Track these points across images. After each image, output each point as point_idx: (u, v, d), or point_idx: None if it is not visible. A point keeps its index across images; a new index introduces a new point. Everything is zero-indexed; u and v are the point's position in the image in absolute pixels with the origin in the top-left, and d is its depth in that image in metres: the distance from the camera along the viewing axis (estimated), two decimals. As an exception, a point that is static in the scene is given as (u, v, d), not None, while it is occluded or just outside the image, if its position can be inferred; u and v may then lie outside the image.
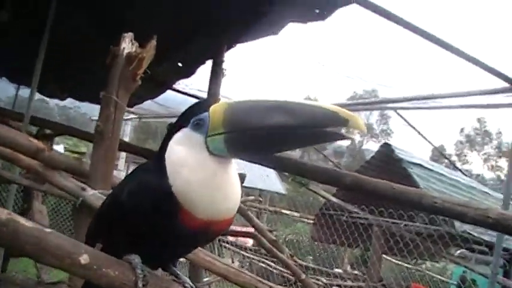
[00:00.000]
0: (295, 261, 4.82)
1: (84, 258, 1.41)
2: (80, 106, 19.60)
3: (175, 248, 1.67)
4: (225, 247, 9.44)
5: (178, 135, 1.59)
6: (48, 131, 7.08)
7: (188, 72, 7.26)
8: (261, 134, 1.51)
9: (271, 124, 1.48)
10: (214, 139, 1.52)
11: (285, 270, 7.84)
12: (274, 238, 4.87)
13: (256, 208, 10.81)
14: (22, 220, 1.36)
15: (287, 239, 10.62)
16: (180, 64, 7.12)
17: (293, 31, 5.55)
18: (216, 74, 5.83)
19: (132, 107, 9.74)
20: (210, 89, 5.85)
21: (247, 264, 9.80)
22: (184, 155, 1.54)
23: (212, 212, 1.53)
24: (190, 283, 1.69)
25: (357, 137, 42.13)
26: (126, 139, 13.33)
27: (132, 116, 11.71)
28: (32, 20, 5.71)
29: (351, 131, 1.60)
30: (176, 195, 1.50)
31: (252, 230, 5.34)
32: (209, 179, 1.51)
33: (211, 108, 1.55)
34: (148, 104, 9.63)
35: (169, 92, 8.35)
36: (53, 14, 5.27)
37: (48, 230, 1.41)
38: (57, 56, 5.64)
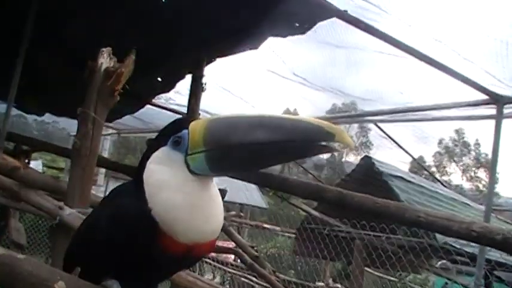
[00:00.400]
0: (277, 277, 4.75)
1: (59, 285, 1.34)
2: (58, 121, 19.35)
3: (156, 272, 1.59)
4: (206, 262, 9.34)
5: (156, 155, 1.52)
6: (25, 147, 6.96)
7: (167, 87, 7.22)
8: (243, 151, 1.44)
9: (253, 140, 1.42)
10: (195, 157, 1.46)
11: (267, 285, 7.80)
12: (256, 254, 4.81)
13: (236, 223, 10.74)
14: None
15: (268, 253, 10.55)
16: (159, 79, 7.07)
17: (269, 44, 5.52)
18: (196, 89, 5.78)
19: (111, 122, 9.65)
20: (189, 103, 5.80)
21: (229, 279, 9.71)
22: (162, 176, 1.47)
23: (194, 235, 1.46)
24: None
25: (337, 150, 42.28)
26: (106, 154, 13.21)
27: (111, 131, 11.57)
28: (7, 34, 5.61)
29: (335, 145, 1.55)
30: (156, 219, 1.42)
31: (233, 245, 5.28)
32: (190, 201, 1.44)
33: (191, 125, 1.49)
34: (127, 119, 9.53)
35: (148, 107, 8.28)
36: (30, 29, 5.19)
37: (21, 256, 1.34)
38: (34, 70, 5.56)
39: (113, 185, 13.76)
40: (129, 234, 1.42)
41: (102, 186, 13.37)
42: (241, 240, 4.92)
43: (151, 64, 6.41)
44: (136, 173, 1.54)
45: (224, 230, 5.27)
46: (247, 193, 12.68)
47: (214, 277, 10.57)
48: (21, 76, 5.23)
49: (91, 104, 3.20)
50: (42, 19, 5.17)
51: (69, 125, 14.37)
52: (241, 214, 7.97)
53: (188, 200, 1.44)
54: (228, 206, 10.52)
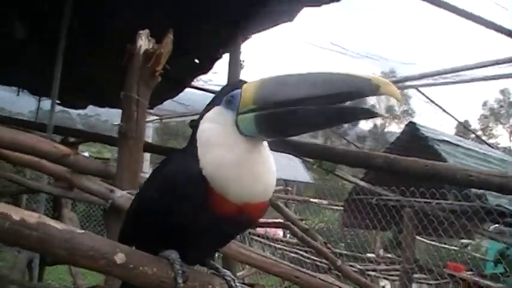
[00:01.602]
0: (329, 249, 4.74)
1: (119, 258, 1.36)
2: (101, 113, 19.73)
3: (210, 239, 1.59)
4: (255, 240, 9.41)
5: (209, 113, 1.54)
6: (72, 139, 7.09)
7: (205, 67, 7.21)
8: (291, 110, 1.42)
9: (301, 95, 1.40)
10: (244, 118, 1.46)
11: (318, 259, 7.79)
12: (306, 227, 4.80)
13: (283, 199, 10.76)
14: (53, 223, 1.31)
15: (317, 228, 10.52)
16: (196, 60, 7.07)
17: (305, 14, 5.43)
18: (234, 67, 5.76)
19: (152, 108, 9.75)
20: (229, 81, 5.78)
21: (279, 256, 9.76)
22: (213, 134, 1.49)
23: (244, 194, 1.45)
24: (231, 275, 1.63)
25: (379, 120, 41.68)
26: (149, 141, 13.35)
27: (152, 117, 11.68)
28: (46, 31, 5.71)
29: (378, 109, 1.50)
30: (206, 176, 1.44)
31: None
32: (239, 159, 1.44)
33: (244, 85, 1.50)
34: (168, 104, 9.63)
35: (188, 90, 8.31)
36: (67, 23, 5.26)
37: (81, 231, 1.36)
38: (74, 64, 5.64)
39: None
40: (181, 194, 1.43)
41: (148, 172, 13.55)
42: (290, 214, 4.93)
43: (186, 45, 6.43)
44: (191, 134, 1.57)
45: (272, 204, 5.29)
46: (292, 169, 12.64)
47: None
48: (62, 70, 5.34)
49: (133, 86, 3.22)
50: (78, 9, 5.25)
51: (112, 116, 14.63)
52: (289, 189, 7.94)
53: (237, 158, 1.44)
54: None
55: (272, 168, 1.54)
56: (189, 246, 1.54)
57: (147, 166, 13.89)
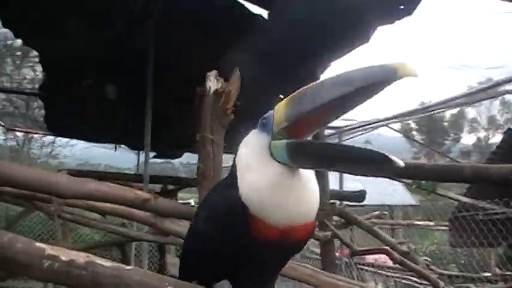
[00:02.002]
0: (433, 271, 4.50)
1: (168, 292, 1.36)
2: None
3: (260, 266, 1.55)
4: (365, 270, 9.13)
5: (247, 138, 1.56)
6: (170, 187, 7.34)
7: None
8: (320, 144, 1.43)
9: (324, 100, 1.37)
10: (277, 145, 1.45)
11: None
12: (406, 250, 4.59)
13: (386, 224, 10.43)
14: (100, 261, 1.34)
15: (427, 251, 10.06)
16: (281, 96, 7.13)
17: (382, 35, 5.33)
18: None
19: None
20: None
21: (392, 283, 9.40)
22: (248, 158, 1.50)
23: (283, 217, 1.43)
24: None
25: (482, 133, 39.28)
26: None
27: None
28: (132, 89, 6.02)
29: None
30: (245, 202, 1.43)
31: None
32: (274, 183, 1.42)
33: (276, 105, 1.50)
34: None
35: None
36: (151, 79, 5.52)
37: (129, 267, 1.38)
38: (161, 116, 5.88)
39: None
40: (223, 222, 1.44)
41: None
42: (388, 238, 4.75)
43: (269, 84, 6.53)
44: (233, 160, 1.57)
45: (369, 231, 5.13)
46: (395, 193, 12.26)
47: (376, 284, 10.30)
48: (152, 123, 5.58)
49: (207, 127, 3.28)
50: (159, 63, 5.51)
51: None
52: (385, 213, 7.69)
53: (272, 182, 1.42)
54: (375, 209, 10.25)
55: (311, 188, 1.51)
56: (241, 276, 1.52)
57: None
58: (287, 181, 1.44)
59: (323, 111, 1.40)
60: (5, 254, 1.28)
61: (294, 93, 1.48)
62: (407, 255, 4.55)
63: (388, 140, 10.01)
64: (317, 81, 1.45)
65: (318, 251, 5.99)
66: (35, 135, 13.46)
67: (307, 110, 1.40)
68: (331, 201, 5.47)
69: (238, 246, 1.46)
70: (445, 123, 33.84)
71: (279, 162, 1.45)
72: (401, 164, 1.31)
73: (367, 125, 7.98)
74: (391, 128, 8.84)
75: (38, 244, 1.32)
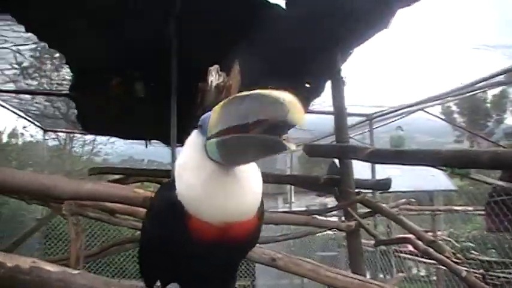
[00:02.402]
0: (459, 259, 4.36)
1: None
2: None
3: (205, 267, 1.54)
4: (405, 258, 9.00)
5: (189, 138, 1.57)
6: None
7: (318, 90, 7.18)
8: (236, 138, 1.38)
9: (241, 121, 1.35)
10: (210, 143, 1.44)
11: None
12: (432, 239, 4.49)
13: (428, 211, 10.23)
14: (46, 266, 1.37)
15: (470, 236, 9.79)
16: (307, 85, 7.09)
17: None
18: (337, 85, 5.67)
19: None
20: (334, 101, 5.70)
21: (434, 270, 9.24)
22: (185, 158, 1.51)
23: (217, 214, 1.43)
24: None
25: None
26: (289, 172, 13.40)
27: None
28: (158, 83, 6.09)
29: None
30: (181, 200, 1.44)
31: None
32: (208, 181, 1.43)
33: (214, 107, 1.47)
34: (293, 133, 9.71)
35: (307, 116, 8.32)
36: (176, 75, 5.58)
37: (75, 271, 1.40)
38: (189, 108, 5.94)
39: (298, 199, 14.02)
40: (163, 221, 1.44)
41: (294, 202, 13.63)
42: (413, 226, 4.64)
43: (292, 73, 6.49)
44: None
45: (394, 219, 5.05)
46: (433, 179, 11.95)
47: (418, 271, 10.16)
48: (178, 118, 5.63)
49: (209, 122, 3.28)
50: (182, 57, 5.55)
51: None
52: (412, 200, 7.54)
53: (206, 180, 1.43)
54: (413, 195, 10.05)
55: (249, 186, 1.49)
56: (188, 277, 1.52)
57: (292, 197, 14.01)
58: (221, 179, 1.44)
59: (247, 128, 1.36)
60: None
61: (228, 99, 1.46)
62: (433, 244, 4.44)
63: (426, 125, 9.78)
64: (243, 94, 1.42)
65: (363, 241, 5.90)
66: (77, 134, 13.90)
67: (231, 124, 1.39)
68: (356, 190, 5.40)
69: (178, 245, 1.46)
70: (487, 105, 32.63)
71: (213, 161, 1.44)
72: (293, 147, 1.37)
73: (399, 110, 7.79)
74: (427, 112, 8.64)
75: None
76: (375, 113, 8.03)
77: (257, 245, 2.84)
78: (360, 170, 7.08)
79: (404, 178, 10.00)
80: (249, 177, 1.50)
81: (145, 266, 1.66)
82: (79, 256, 3.54)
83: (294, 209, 11.89)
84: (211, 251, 1.47)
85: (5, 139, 19.02)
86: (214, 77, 3.37)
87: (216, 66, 3.44)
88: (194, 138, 1.53)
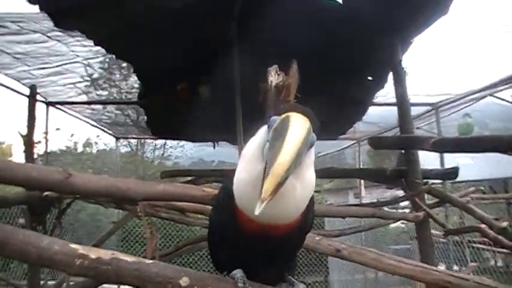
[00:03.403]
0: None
1: (184, 281, 1.51)
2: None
3: (261, 256, 1.63)
4: (479, 249, 8.75)
5: (256, 133, 1.59)
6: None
7: (380, 82, 7.15)
8: None
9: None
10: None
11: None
12: (503, 226, 4.41)
13: (503, 199, 9.87)
14: (124, 257, 1.52)
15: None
16: (369, 78, 7.08)
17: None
18: (398, 76, 5.64)
19: (345, 133, 9.91)
20: (396, 91, 5.67)
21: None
22: (247, 153, 1.55)
23: (264, 215, 1.42)
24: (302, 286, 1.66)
25: None
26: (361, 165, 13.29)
27: (351, 142, 11.75)
28: (222, 84, 6.25)
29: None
30: (234, 193, 1.52)
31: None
32: (256, 181, 1.42)
33: (284, 114, 1.50)
34: (360, 126, 9.71)
35: (372, 108, 8.29)
36: (238, 76, 5.73)
37: (149, 261, 1.54)
38: (253, 108, 6.07)
39: (369, 193, 13.88)
40: (220, 210, 1.51)
41: (365, 197, 13.52)
42: (483, 214, 4.57)
43: (354, 68, 6.50)
44: None
45: (463, 207, 4.97)
46: (508, 165, 11.46)
47: (495, 262, 9.83)
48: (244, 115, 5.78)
49: (271, 121, 3.38)
50: (244, 58, 5.70)
51: (325, 148, 15.07)
52: (481, 188, 7.30)
53: (255, 179, 1.43)
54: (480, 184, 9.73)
55: (297, 192, 1.50)
56: (250, 264, 1.61)
57: (362, 190, 13.90)
58: None
59: None
60: (45, 254, 1.50)
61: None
62: (504, 231, 4.37)
63: (496, 110, 9.45)
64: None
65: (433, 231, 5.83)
66: (148, 140, 14.39)
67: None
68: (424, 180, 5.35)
69: (231, 236, 1.58)
70: None
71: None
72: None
73: (466, 96, 7.60)
74: (497, 97, 8.37)
75: (72, 245, 1.53)
76: (441, 101, 7.89)
77: (323, 237, 2.93)
78: (431, 160, 6.99)
79: (477, 166, 9.72)
80: (299, 182, 1.50)
81: (213, 255, 1.80)
82: (154, 255, 3.72)
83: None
84: (257, 242, 1.55)
85: (80, 148, 19.97)
86: (273, 77, 3.47)
87: (275, 66, 3.53)
88: (259, 135, 1.56)
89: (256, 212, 1.31)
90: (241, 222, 1.52)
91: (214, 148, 9.50)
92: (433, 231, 5.62)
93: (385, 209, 5.36)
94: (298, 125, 1.43)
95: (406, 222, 6.85)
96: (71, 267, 1.49)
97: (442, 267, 6.54)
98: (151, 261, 1.55)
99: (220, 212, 1.54)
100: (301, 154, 1.39)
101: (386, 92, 7.48)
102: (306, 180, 1.52)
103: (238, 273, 1.59)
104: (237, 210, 1.52)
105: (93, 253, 1.51)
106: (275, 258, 1.69)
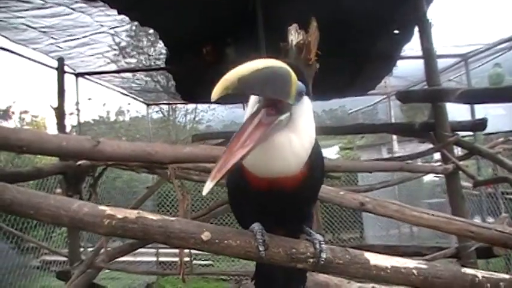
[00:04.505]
0: None
1: (205, 235, 1.59)
2: (344, 104, 20.16)
3: (274, 209, 1.71)
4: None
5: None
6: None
7: (407, 36, 7.05)
8: None
9: None
10: None
11: None
12: (533, 177, 4.40)
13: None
14: (150, 215, 1.62)
15: None
16: (396, 31, 6.98)
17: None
18: (424, 29, 5.56)
19: (374, 88, 9.82)
20: (422, 44, 5.61)
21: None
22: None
23: (262, 170, 1.58)
24: (319, 238, 1.72)
25: None
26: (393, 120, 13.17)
27: (382, 97, 11.65)
28: (248, 46, 6.27)
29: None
30: None
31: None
32: None
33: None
34: (391, 81, 9.66)
35: (401, 62, 8.21)
36: (263, 38, 5.74)
37: (172, 218, 1.64)
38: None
39: (402, 147, 13.78)
40: (233, 173, 1.58)
41: (398, 152, 13.45)
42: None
43: (379, 22, 6.42)
44: None
45: (492, 159, 4.96)
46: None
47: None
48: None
49: (294, 79, 3.41)
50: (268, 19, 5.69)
51: (356, 105, 14.99)
52: (510, 138, 7.18)
53: None
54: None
55: (294, 146, 1.57)
56: (267, 219, 1.70)
57: (395, 145, 13.83)
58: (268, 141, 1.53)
59: None
60: (76, 217, 1.60)
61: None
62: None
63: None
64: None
65: (466, 184, 5.82)
66: (179, 105, 14.52)
67: None
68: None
69: (244, 193, 1.68)
70: None
71: None
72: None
73: (496, 45, 7.43)
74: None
75: (100, 207, 1.63)
76: (471, 52, 7.74)
77: (347, 191, 2.99)
78: (462, 112, 6.90)
79: (509, 117, 9.55)
80: (294, 133, 1.57)
81: (234, 213, 1.89)
82: (186, 217, 3.84)
83: (396, 158, 11.72)
84: (269, 197, 1.63)
85: (113, 117, 20.30)
86: (294, 36, 3.48)
87: (295, 25, 3.54)
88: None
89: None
90: (250, 179, 1.61)
91: (244, 109, 9.52)
92: (466, 184, 5.62)
93: (418, 162, 5.37)
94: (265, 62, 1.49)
95: (440, 176, 6.82)
96: (100, 227, 1.59)
97: (477, 219, 6.55)
98: (174, 218, 1.64)
99: (233, 173, 1.61)
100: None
101: (414, 45, 7.37)
102: (302, 131, 1.59)
103: (256, 226, 1.68)
104: (244, 169, 1.61)
105: (120, 213, 1.61)
106: (290, 211, 1.76)
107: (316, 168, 1.68)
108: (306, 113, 1.61)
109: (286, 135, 1.55)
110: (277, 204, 1.69)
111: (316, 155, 1.66)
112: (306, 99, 1.61)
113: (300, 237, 1.78)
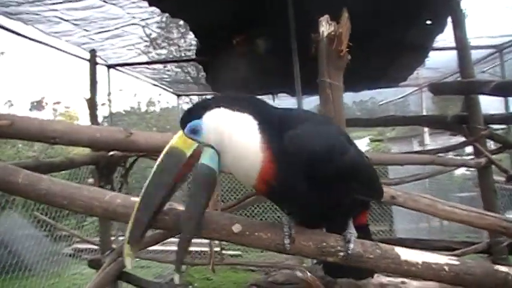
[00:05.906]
0: None
1: (236, 227, 1.62)
2: (375, 96, 19.98)
3: (288, 205, 1.77)
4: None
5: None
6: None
7: (439, 27, 6.93)
8: None
9: None
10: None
11: None
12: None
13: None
14: (179, 206, 1.64)
15: None
16: (428, 22, 6.87)
17: None
18: (457, 19, 5.47)
19: (405, 79, 9.69)
20: (455, 35, 5.51)
21: None
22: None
23: (246, 181, 1.67)
24: (352, 232, 1.72)
25: None
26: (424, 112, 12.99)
27: (413, 89, 11.51)
28: (279, 36, 6.25)
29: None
30: None
31: None
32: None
33: None
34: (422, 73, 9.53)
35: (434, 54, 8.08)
36: (293, 27, 5.71)
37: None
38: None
39: (434, 140, 13.61)
40: None
41: (429, 144, 13.28)
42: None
43: (411, 12, 6.33)
44: None
45: None
46: None
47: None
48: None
49: (324, 71, 3.40)
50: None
51: (387, 96, 14.82)
52: None
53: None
54: None
55: (231, 160, 1.65)
56: (295, 213, 1.74)
57: (426, 138, 13.66)
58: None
59: None
60: (109, 208, 1.64)
61: None
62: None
63: None
64: None
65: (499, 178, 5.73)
66: (208, 96, 14.55)
67: None
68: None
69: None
70: None
71: None
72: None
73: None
74: None
75: (132, 198, 1.66)
76: (505, 42, 7.57)
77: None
78: (497, 105, 6.78)
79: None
80: (229, 145, 1.64)
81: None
82: (216, 208, 3.85)
83: (428, 150, 11.57)
84: (273, 196, 1.72)
85: (143, 108, 20.48)
86: (325, 27, 3.44)
87: (326, 16, 3.50)
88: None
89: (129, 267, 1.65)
90: (253, 189, 1.71)
91: (273, 101, 9.52)
92: (498, 178, 5.53)
93: (450, 155, 5.29)
94: None
95: (471, 169, 6.73)
96: (132, 218, 1.63)
97: (509, 214, 6.45)
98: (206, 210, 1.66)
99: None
100: None
101: (447, 36, 7.25)
102: (232, 148, 1.62)
103: (284, 219, 1.70)
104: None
105: (162, 206, 1.65)
106: (310, 207, 1.73)
107: (293, 155, 1.59)
108: (220, 125, 1.63)
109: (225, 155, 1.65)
110: (289, 200, 1.72)
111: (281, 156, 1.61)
112: (212, 116, 1.65)
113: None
